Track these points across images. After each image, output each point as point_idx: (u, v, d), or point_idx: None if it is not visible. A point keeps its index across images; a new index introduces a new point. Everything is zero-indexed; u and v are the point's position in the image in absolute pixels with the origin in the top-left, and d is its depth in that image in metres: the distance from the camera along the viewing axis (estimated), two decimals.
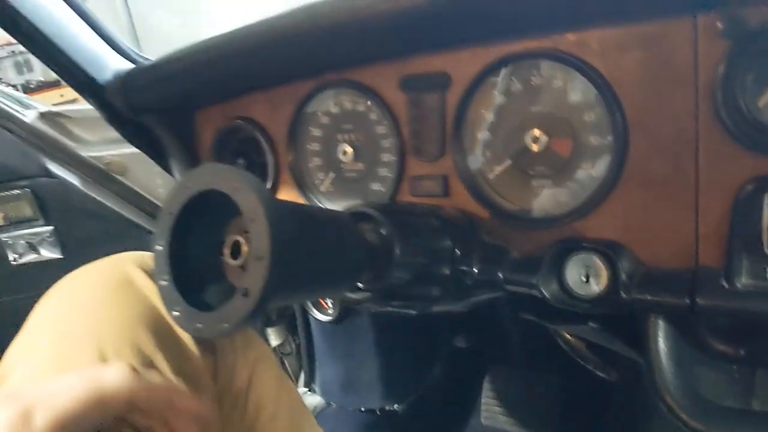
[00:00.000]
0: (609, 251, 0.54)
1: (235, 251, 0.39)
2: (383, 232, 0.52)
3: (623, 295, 0.52)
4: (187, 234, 0.41)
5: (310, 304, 1.08)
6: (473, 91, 0.63)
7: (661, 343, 0.52)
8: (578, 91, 0.58)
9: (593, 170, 0.58)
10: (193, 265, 0.41)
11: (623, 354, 0.65)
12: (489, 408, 1.32)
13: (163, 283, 0.39)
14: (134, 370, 0.41)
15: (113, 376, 0.40)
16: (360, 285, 0.54)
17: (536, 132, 0.60)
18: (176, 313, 0.38)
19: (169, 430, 0.44)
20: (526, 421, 1.25)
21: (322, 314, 1.01)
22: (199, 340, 0.58)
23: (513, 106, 0.62)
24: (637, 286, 0.52)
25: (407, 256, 0.51)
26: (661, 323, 0.52)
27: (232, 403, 0.63)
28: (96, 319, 0.53)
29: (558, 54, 0.57)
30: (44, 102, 1.24)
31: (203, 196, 0.39)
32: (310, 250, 0.41)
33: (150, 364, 0.53)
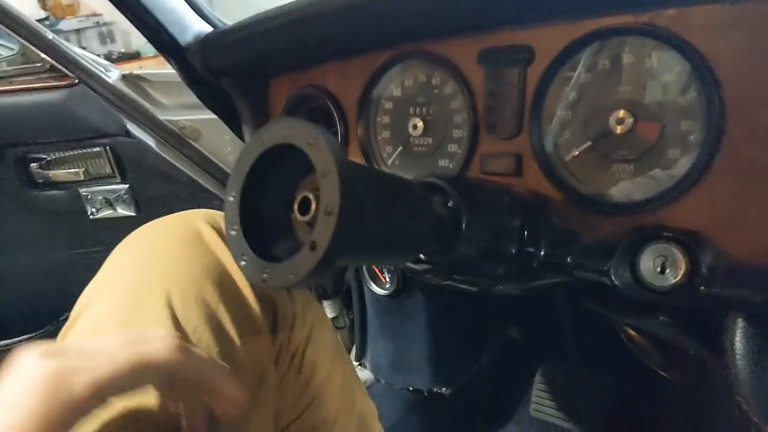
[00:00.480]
0: (690, 242, 0.51)
1: (305, 207, 0.39)
2: (451, 204, 0.52)
3: (702, 288, 0.50)
4: (259, 188, 0.42)
5: (367, 276, 1.09)
6: (557, 66, 0.61)
7: (739, 343, 0.49)
8: (673, 71, 0.55)
9: (681, 157, 0.55)
10: (264, 219, 0.42)
11: (691, 352, 0.62)
12: (539, 400, 1.30)
13: (233, 233, 0.40)
14: (181, 342, 0.41)
15: (158, 345, 0.39)
16: (423, 257, 0.54)
17: (622, 113, 0.58)
18: (243, 263, 0.39)
19: (205, 410, 0.45)
20: (577, 417, 1.22)
21: (380, 287, 1.02)
22: (261, 297, 0.60)
23: (598, 85, 0.59)
24: (718, 280, 0.50)
25: (474, 231, 0.51)
26: (740, 321, 0.49)
27: (288, 361, 0.65)
28: (166, 268, 0.56)
29: (654, 30, 0.54)
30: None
31: (277, 151, 0.39)
32: (379, 212, 0.41)
33: (213, 316, 0.55)
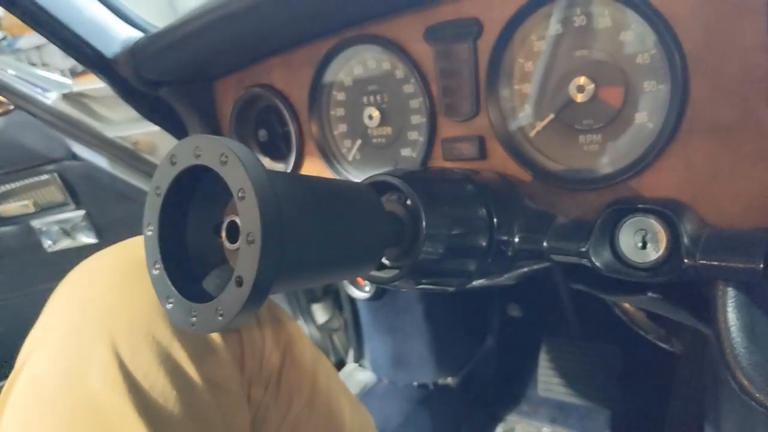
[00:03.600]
0: (668, 212, 0.50)
1: (233, 233, 0.36)
2: (409, 202, 0.50)
3: (686, 261, 0.48)
4: (181, 215, 0.39)
5: (346, 282, 1.07)
6: (508, 37, 0.59)
7: (731, 314, 0.48)
8: (629, 29, 0.53)
9: (649, 120, 0.54)
10: (191, 250, 0.40)
11: (689, 324, 0.61)
12: (546, 380, 1.30)
13: (155, 272, 0.38)
14: None
15: None
16: (387, 263, 0.52)
17: (582, 80, 0.56)
18: (170, 305, 0.37)
19: None
20: (585, 394, 1.23)
21: (359, 291, 1.00)
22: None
23: (554, 52, 0.58)
24: (702, 250, 0.48)
25: (436, 228, 0.49)
26: (730, 291, 0.48)
27: (263, 389, 0.63)
28: (108, 306, 0.53)
29: None
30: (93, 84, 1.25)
31: (194, 172, 0.36)
32: (317, 227, 0.39)
33: (167, 355, 0.52)
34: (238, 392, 0.59)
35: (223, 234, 0.37)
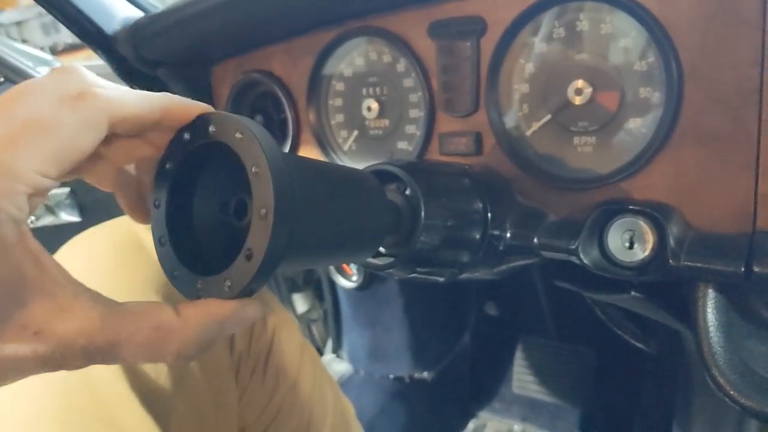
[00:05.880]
0: (656, 214, 0.51)
1: (241, 210, 0.37)
2: (408, 192, 0.51)
3: (671, 261, 0.50)
4: (189, 191, 0.39)
5: (333, 270, 1.08)
6: (511, 37, 0.61)
7: (710, 314, 0.50)
8: (628, 37, 0.55)
9: (642, 125, 0.56)
10: (197, 226, 0.40)
11: (666, 325, 0.64)
12: (521, 377, 1.33)
13: (161, 244, 0.38)
14: None
15: None
16: (383, 250, 0.53)
17: (580, 83, 0.58)
18: (175, 278, 0.37)
19: None
20: (559, 391, 1.25)
21: (346, 280, 1.01)
22: None
23: (555, 55, 0.59)
24: (686, 252, 0.50)
25: (434, 219, 0.50)
26: (711, 293, 0.50)
27: (250, 370, 0.64)
28: (103, 283, 0.53)
29: None
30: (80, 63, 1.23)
31: (203, 149, 0.37)
32: (324, 209, 0.39)
33: None
34: (227, 373, 0.60)
35: (231, 210, 0.38)
